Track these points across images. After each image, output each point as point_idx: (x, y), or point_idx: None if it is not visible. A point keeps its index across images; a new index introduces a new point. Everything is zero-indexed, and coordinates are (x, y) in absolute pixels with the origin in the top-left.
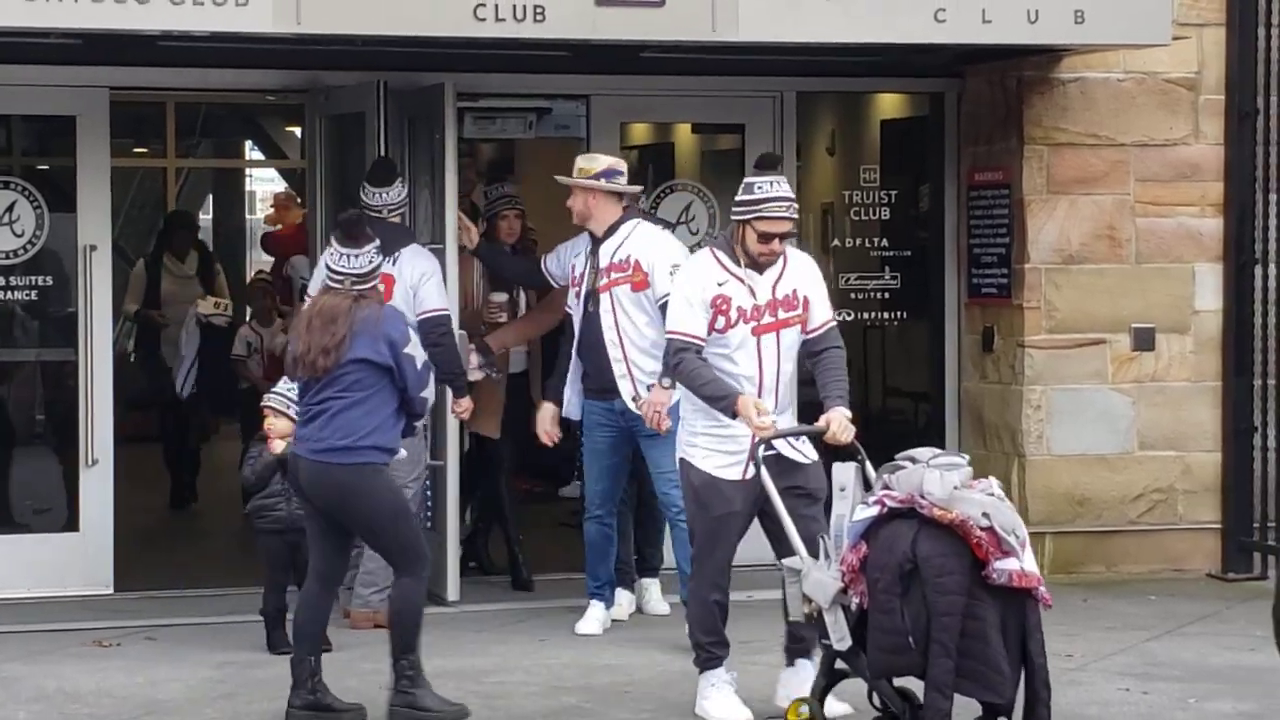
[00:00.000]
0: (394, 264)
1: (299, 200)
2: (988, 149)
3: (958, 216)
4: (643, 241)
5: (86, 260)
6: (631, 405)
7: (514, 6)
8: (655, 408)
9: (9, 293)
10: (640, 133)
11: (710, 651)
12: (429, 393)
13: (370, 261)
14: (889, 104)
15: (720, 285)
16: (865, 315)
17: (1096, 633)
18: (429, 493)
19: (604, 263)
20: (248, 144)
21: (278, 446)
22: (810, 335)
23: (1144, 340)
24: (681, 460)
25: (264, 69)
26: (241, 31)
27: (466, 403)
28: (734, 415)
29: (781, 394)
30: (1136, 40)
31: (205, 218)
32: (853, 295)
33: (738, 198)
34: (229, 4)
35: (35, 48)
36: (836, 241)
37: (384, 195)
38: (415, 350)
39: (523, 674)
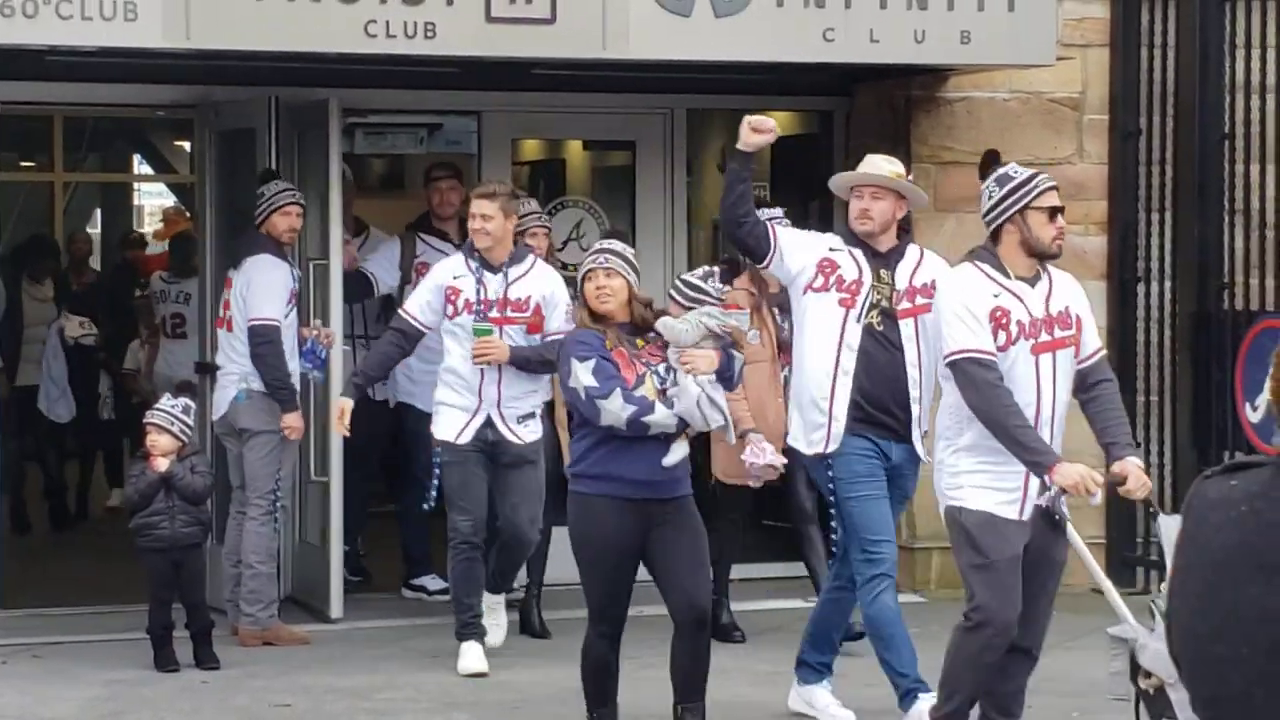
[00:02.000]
0: (238, 271)
1: (188, 215)
2: None
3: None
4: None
5: None
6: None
7: (405, 23)
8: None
9: None
10: (531, 149)
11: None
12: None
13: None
14: (779, 121)
15: (995, 297)
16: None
17: None
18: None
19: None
20: (136, 158)
21: (161, 465)
22: (1084, 364)
23: None
24: (949, 508)
25: (153, 84)
26: (130, 47)
27: (292, 419)
28: (1043, 476)
29: (1057, 428)
30: (1021, 60)
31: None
32: None
33: (995, 195)
34: (118, 19)
35: None
36: (727, 256)
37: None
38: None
39: (413, 690)
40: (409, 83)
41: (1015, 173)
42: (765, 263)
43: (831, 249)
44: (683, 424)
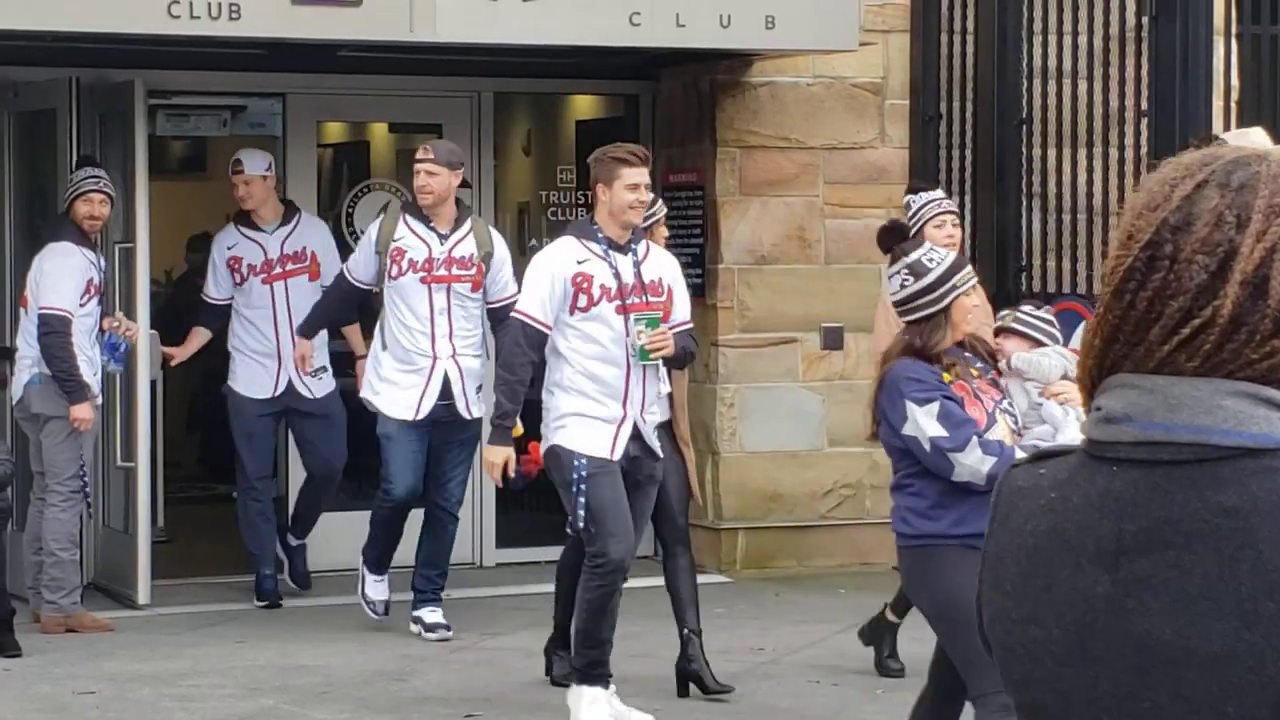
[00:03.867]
0: (39, 254)
1: None
2: (682, 151)
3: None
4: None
5: None
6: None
7: (209, 4)
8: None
9: None
10: (336, 131)
11: None
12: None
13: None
14: (585, 105)
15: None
16: None
17: (788, 626)
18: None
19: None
20: None
21: None
22: None
23: (833, 339)
24: None
25: None
26: None
27: (81, 411)
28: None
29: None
30: (825, 46)
31: None
32: None
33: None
34: None
35: None
36: (534, 241)
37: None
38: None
39: (219, 676)
40: (214, 64)
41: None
42: None
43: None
44: None
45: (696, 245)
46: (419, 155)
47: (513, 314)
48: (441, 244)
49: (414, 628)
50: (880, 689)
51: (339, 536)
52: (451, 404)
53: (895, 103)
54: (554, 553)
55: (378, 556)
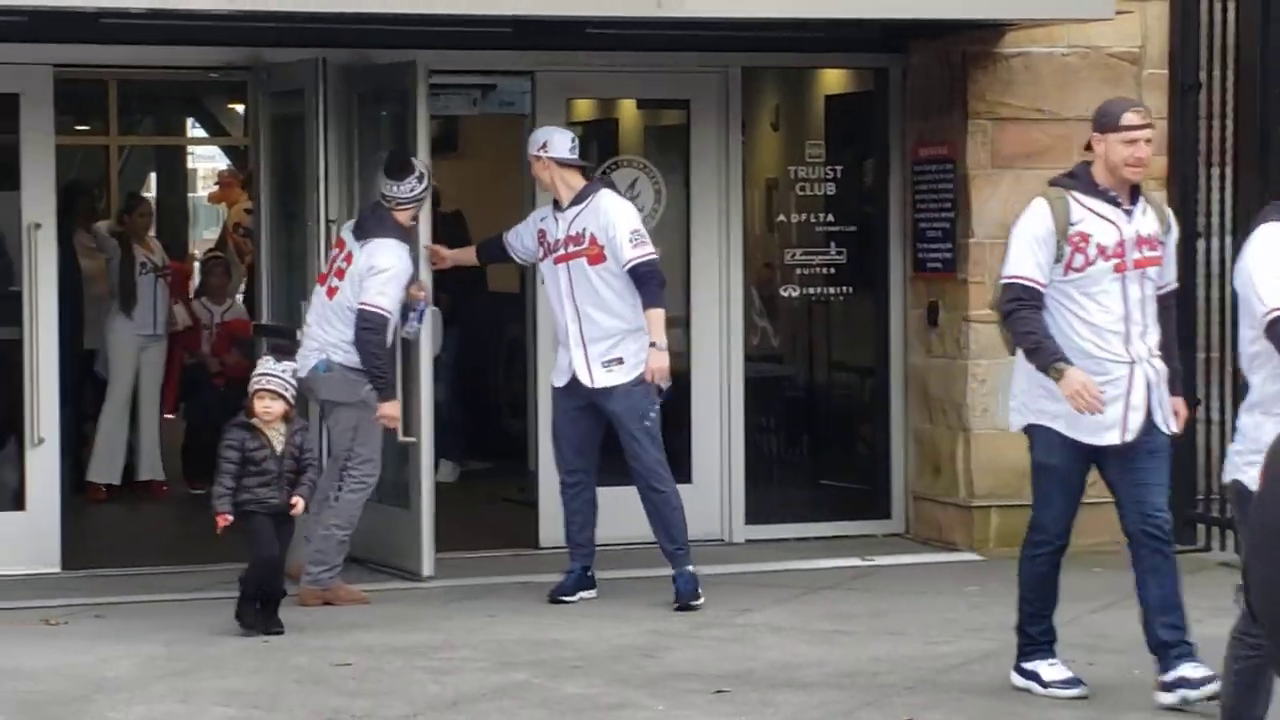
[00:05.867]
0: (362, 247)
1: (241, 178)
2: (932, 124)
3: (903, 191)
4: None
5: (31, 239)
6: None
7: None
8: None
9: None
10: (585, 109)
11: None
12: None
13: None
14: (834, 79)
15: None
16: (810, 291)
17: None
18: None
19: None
20: (190, 121)
21: (277, 439)
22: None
23: None
24: None
25: (207, 46)
26: (180, 9)
27: (390, 409)
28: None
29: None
30: (1080, 14)
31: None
32: (798, 271)
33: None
34: None
35: None
36: (782, 217)
37: (395, 188)
38: None
39: (470, 650)
40: (463, 43)
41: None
42: None
43: None
44: None
45: (947, 219)
46: (1133, 120)
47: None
48: (1129, 222)
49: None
50: (1137, 669)
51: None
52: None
53: (1153, 72)
54: (802, 529)
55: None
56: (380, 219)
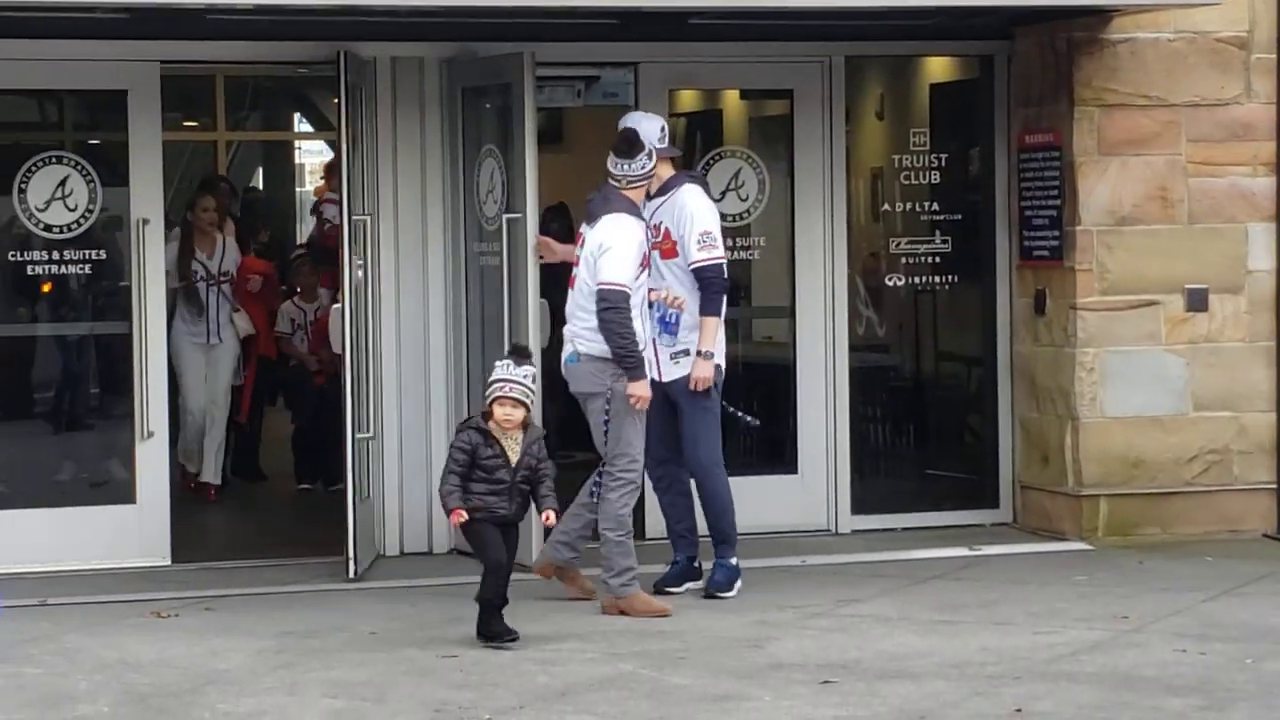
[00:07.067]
0: (592, 227)
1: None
2: (1038, 111)
3: (1008, 179)
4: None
5: (139, 234)
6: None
7: None
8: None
9: (63, 267)
10: (688, 99)
11: None
12: None
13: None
14: (938, 67)
15: None
16: (916, 279)
17: (1152, 594)
18: None
19: None
20: (296, 116)
21: (514, 449)
22: None
23: (1197, 301)
24: None
25: (310, 41)
26: (285, 4)
27: (639, 389)
28: None
29: None
30: (1186, 0)
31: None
32: (904, 260)
33: None
34: None
35: (86, 22)
36: (887, 206)
37: (626, 166)
38: None
39: (578, 640)
40: (566, 34)
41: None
42: None
43: None
44: None
45: (1054, 207)
46: None
47: None
48: None
49: None
50: (1250, 658)
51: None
52: None
53: (1261, 57)
54: (909, 520)
55: None
56: (607, 198)
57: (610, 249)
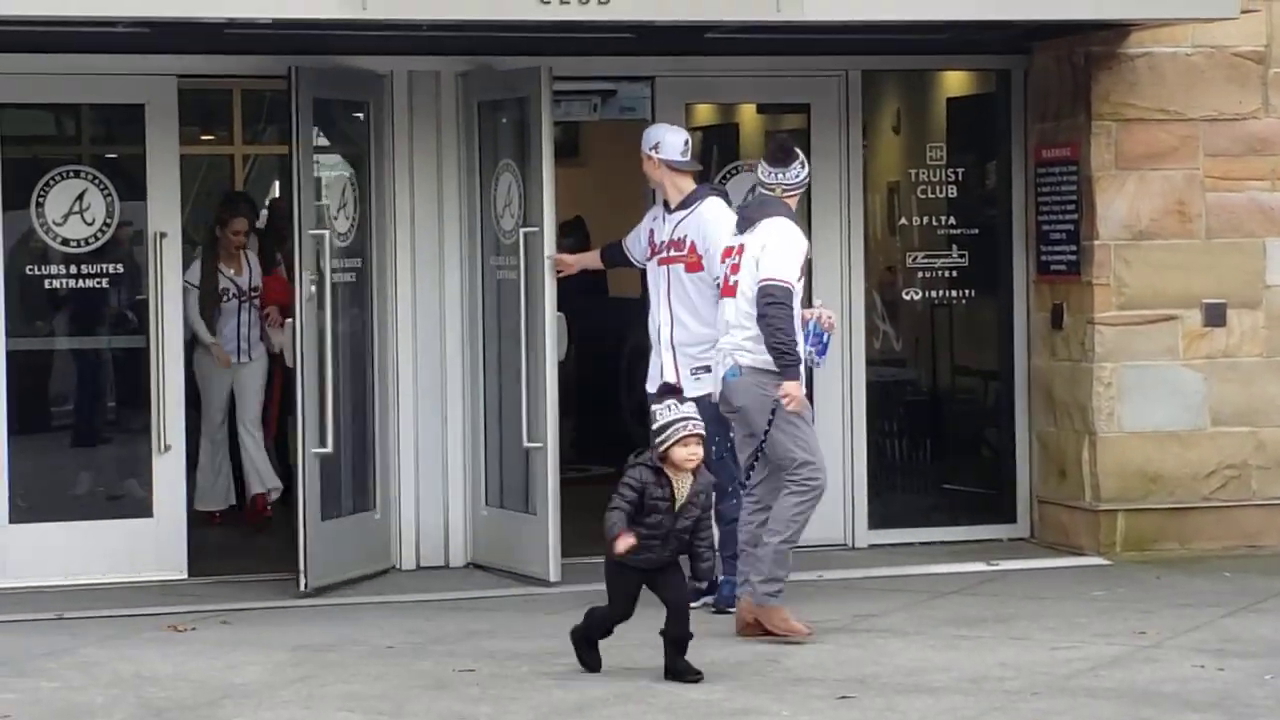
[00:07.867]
0: (751, 233)
1: None
2: (1055, 125)
3: (1025, 193)
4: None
5: (157, 247)
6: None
7: None
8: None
9: (80, 280)
10: (705, 113)
11: None
12: None
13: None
14: (955, 81)
15: None
16: (933, 294)
17: (1171, 610)
18: None
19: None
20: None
21: (684, 486)
22: None
23: (1215, 316)
24: None
25: (331, 55)
26: (306, 18)
27: (794, 389)
28: None
29: None
30: (1205, 14)
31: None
32: (920, 274)
33: None
34: None
35: (104, 36)
36: (903, 220)
37: (781, 175)
38: None
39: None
40: (582, 49)
41: None
42: None
43: None
44: None
45: (1071, 221)
46: None
47: None
48: None
49: None
50: (1269, 674)
51: None
52: None
53: (1279, 71)
54: (926, 534)
55: None
56: (763, 203)
57: (774, 248)
